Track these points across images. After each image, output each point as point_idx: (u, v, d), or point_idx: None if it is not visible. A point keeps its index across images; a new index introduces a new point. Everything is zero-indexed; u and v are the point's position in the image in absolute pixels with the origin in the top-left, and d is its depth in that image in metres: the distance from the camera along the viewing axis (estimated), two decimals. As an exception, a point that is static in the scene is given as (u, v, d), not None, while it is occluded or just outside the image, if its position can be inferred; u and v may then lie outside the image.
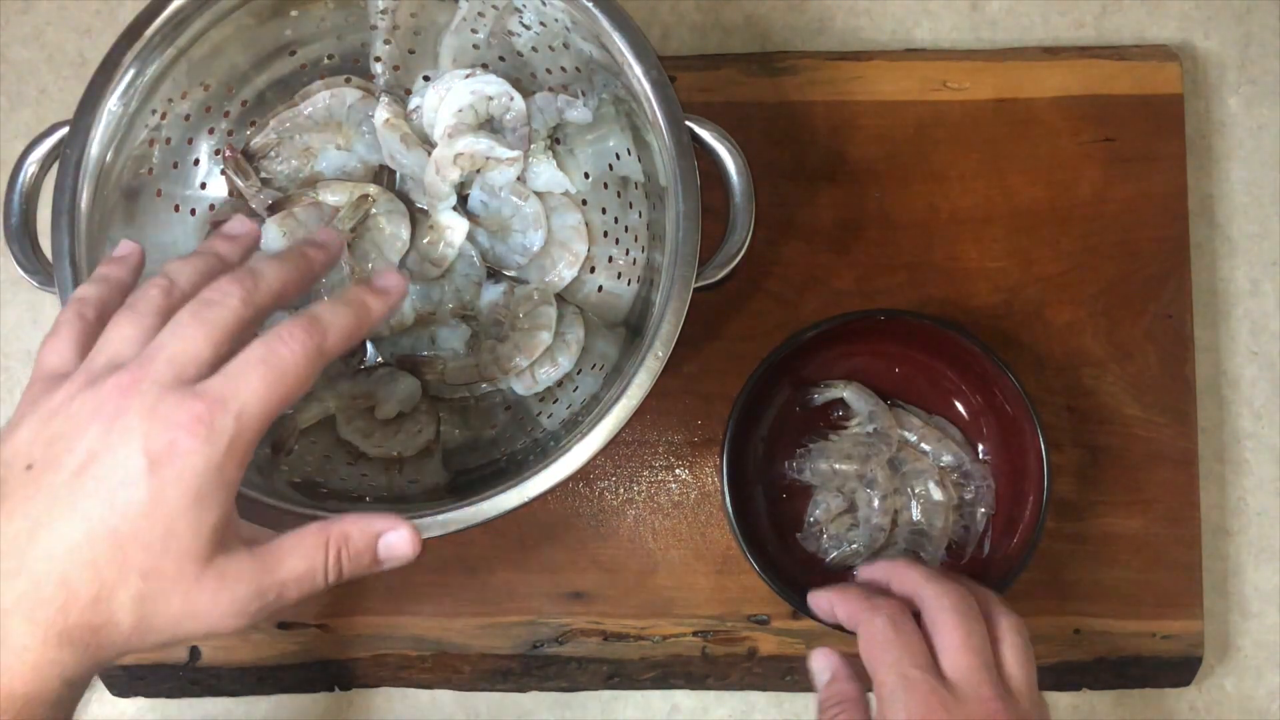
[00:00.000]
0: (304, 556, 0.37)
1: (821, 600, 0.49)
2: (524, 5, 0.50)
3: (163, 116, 0.49)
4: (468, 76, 0.53)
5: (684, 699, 0.58)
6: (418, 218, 0.55)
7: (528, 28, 0.51)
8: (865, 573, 0.50)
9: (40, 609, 0.33)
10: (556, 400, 0.53)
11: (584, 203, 0.55)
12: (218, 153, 0.53)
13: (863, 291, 0.58)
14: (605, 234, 0.54)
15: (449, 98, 0.52)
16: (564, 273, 0.54)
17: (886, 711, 0.42)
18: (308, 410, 0.52)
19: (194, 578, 0.35)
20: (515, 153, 0.52)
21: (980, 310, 0.58)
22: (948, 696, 0.41)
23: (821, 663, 0.47)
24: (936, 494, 0.55)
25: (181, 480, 0.34)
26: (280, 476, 0.50)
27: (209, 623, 0.35)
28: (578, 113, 0.52)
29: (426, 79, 0.55)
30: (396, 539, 0.38)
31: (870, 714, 0.44)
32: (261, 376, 0.35)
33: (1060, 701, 0.58)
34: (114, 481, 0.34)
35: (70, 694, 0.34)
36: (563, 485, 0.45)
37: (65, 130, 0.46)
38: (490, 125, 0.53)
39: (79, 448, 0.34)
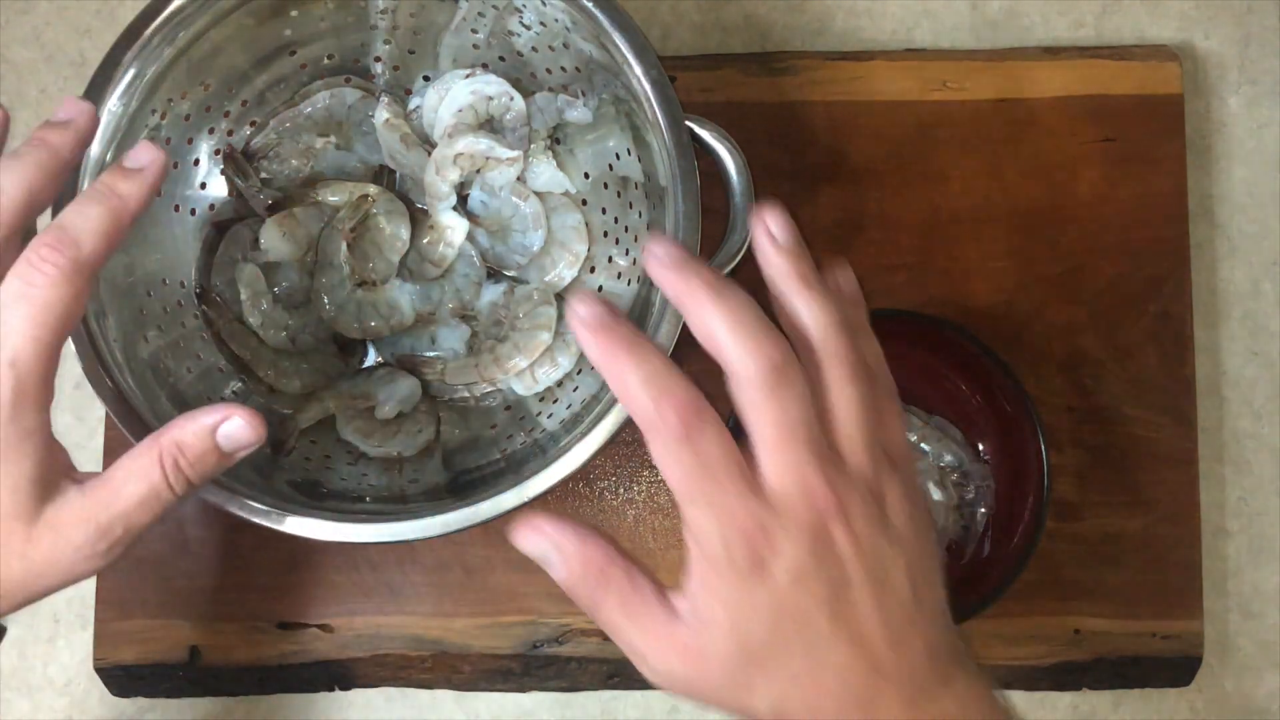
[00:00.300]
0: (140, 478, 0.35)
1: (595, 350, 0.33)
2: (524, 5, 0.50)
3: (163, 116, 0.49)
4: (468, 76, 0.53)
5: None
6: (418, 218, 0.55)
7: (528, 28, 0.51)
8: (654, 270, 0.34)
9: None
10: (556, 400, 0.53)
11: (584, 203, 0.55)
12: (218, 153, 0.53)
13: (863, 292, 0.58)
14: (605, 234, 0.54)
15: (449, 98, 0.52)
16: (564, 273, 0.54)
17: (700, 548, 0.33)
18: (308, 410, 0.52)
19: (24, 537, 0.34)
20: (515, 153, 0.52)
21: (980, 310, 0.58)
22: (770, 520, 0.32)
23: (534, 542, 0.34)
24: (936, 494, 0.55)
25: None
26: (280, 476, 0.50)
27: (58, 575, 0.34)
28: (578, 113, 0.52)
29: (426, 79, 0.55)
30: (235, 429, 0.36)
31: (636, 562, 0.34)
32: (24, 315, 0.33)
33: (1060, 701, 0.58)
34: None
35: None
36: (563, 485, 0.45)
37: (65, 130, 0.46)
38: (490, 125, 0.53)
39: None
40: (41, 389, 0.34)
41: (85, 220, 0.35)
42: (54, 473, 0.35)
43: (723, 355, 0.33)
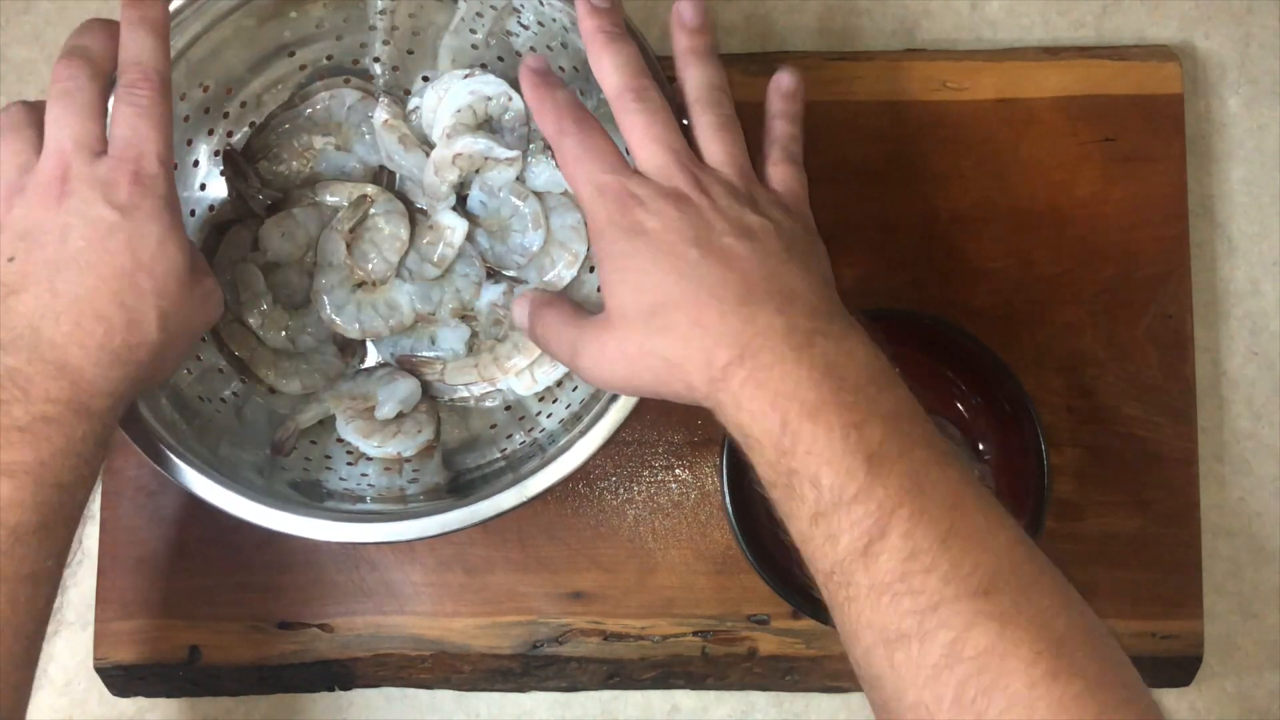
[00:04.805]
0: None
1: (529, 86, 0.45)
2: (522, 5, 0.50)
3: (162, 117, 0.49)
4: (466, 77, 0.53)
5: (684, 699, 0.58)
6: (417, 218, 0.55)
7: (526, 28, 0.51)
8: (585, 22, 0.45)
9: (88, 339, 0.40)
10: (556, 400, 0.53)
11: (583, 203, 0.55)
12: (217, 154, 0.53)
13: (863, 291, 0.58)
14: (605, 234, 0.54)
15: (448, 98, 0.52)
16: (563, 273, 0.54)
17: (589, 221, 0.43)
18: (308, 411, 0.52)
19: (191, 284, 0.42)
20: (514, 153, 0.52)
21: (980, 310, 0.58)
22: (637, 186, 0.42)
23: (521, 304, 0.48)
24: (936, 494, 0.54)
25: (151, 215, 0.41)
26: (280, 476, 0.50)
27: (204, 315, 0.44)
28: (577, 113, 0.52)
29: (425, 79, 0.55)
30: None
31: (568, 303, 0.46)
32: (148, 124, 0.42)
33: (1060, 701, 0.58)
34: (98, 235, 0.40)
35: (116, 409, 0.42)
36: (563, 485, 0.46)
37: (65, 131, 0.46)
38: (489, 125, 0.53)
39: (50, 229, 0.40)
40: (172, 175, 0.43)
41: (144, 49, 0.42)
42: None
43: (608, 94, 0.44)
